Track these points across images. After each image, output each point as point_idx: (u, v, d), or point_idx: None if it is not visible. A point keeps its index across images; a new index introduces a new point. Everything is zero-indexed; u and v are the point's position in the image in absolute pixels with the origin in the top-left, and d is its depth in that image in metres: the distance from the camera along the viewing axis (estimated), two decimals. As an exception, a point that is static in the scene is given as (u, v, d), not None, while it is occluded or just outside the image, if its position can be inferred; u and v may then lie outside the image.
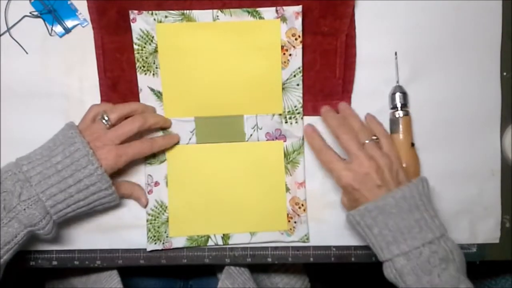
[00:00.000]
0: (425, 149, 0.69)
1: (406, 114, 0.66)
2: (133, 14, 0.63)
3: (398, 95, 0.66)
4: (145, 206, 0.66)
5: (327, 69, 0.67)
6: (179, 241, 0.66)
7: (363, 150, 0.59)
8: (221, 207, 0.67)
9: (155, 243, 0.66)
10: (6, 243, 0.55)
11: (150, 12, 0.63)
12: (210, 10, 0.64)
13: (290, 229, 0.67)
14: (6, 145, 0.66)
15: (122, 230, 0.67)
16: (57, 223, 0.59)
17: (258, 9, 0.64)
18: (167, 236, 0.66)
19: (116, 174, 0.62)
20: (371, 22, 0.68)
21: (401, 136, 0.65)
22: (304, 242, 0.67)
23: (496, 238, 0.70)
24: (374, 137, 0.62)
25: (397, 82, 0.68)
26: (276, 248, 0.68)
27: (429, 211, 0.58)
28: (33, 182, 0.56)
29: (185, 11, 0.64)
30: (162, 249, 0.67)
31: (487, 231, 0.70)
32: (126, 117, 0.63)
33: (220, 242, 0.67)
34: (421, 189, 0.59)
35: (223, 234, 0.67)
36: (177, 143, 0.66)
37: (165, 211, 0.66)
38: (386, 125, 0.67)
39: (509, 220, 0.70)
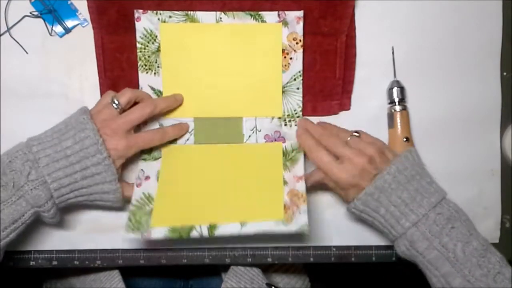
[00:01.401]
0: (425, 148, 0.69)
1: (404, 108, 0.66)
2: (138, 13, 0.64)
3: (395, 90, 0.66)
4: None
5: (327, 69, 0.67)
6: (159, 232, 0.59)
7: (350, 148, 0.59)
8: (209, 198, 0.63)
9: (133, 232, 0.60)
10: (14, 221, 0.55)
11: (154, 12, 0.64)
12: (214, 12, 0.64)
13: (287, 219, 0.59)
14: (6, 145, 0.66)
15: (122, 230, 0.67)
16: (60, 208, 0.59)
17: (260, 12, 0.65)
18: (147, 226, 0.60)
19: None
20: (371, 22, 0.68)
21: (398, 131, 0.66)
22: (303, 233, 0.58)
23: (496, 238, 0.70)
24: (355, 133, 0.62)
25: (394, 76, 0.68)
26: (276, 248, 0.68)
27: (425, 178, 0.59)
28: (41, 164, 0.56)
29: (189, 12, 0.64)
30: (141, 240, 0.63)
31: (487, 231, 0.70)
32: (135, 102, 0.63)
33: (205, 233, 0.59)
34: (412, 159, 0.59)
35: (209, 225, 0.59)
36: (175, 141, 0.66)
37: (150, 202, 0.62)
38: (384, 122, 0.68)
39: (509, 220, 0.70)
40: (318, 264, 0.69)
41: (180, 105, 0.66)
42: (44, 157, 0.56)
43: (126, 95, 0.62)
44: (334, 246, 0.68)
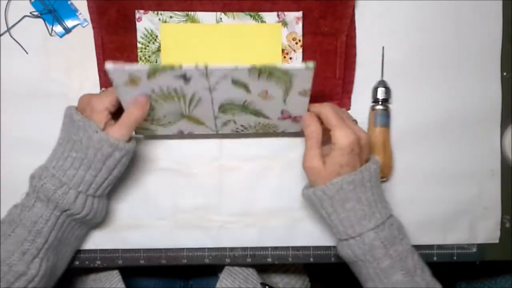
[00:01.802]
0: (425, 149, 0.69)
1: (385, 109, 0.66)
2: (139, 13, 0.64)
3: (380, 90, 0.67)
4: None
5: (327, 69, 0.67)
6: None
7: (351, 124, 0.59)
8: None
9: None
10: (34, 222, 0.57)
11: (155, 12, 0.64)
12: (214, 12, 0.65)
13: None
14: (6, 145, 0.66)
15: (122, 230, 0.67)
16: (96, 198, 0.60)
17: (260, 13, 0.65)
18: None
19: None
20: (371, 22, 0.68)
21: (377, 131, 0.66)
22: (308, 68, 0.52)
23: (496, 238, 0.70)
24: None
25: (382, 76, 0.68)
26: (276, 248, 0.69)
27: (381, 187, 0.60)
28: (47, 163, 0.59)
29: (189, 13, 0.64)
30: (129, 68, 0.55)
31: (487, 231, 0.70)
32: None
33: (201, 66, 0.53)
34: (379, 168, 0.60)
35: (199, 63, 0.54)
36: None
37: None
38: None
39: (509, 220, 0.70)
40: (318, 264, 0.69)
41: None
42: (49, 159, 0.59)
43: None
44: (334, 246, 0.68)
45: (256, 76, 0.54)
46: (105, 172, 0.59)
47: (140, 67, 0.53)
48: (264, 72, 0.54)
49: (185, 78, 0.54)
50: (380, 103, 0.67)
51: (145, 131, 0.65)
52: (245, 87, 0.56)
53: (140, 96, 0.57)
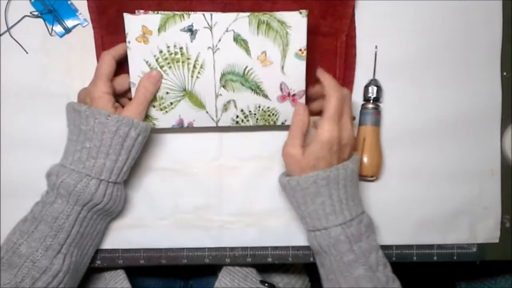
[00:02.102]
0: (425, 148, 0.69)
1: (376, 108, 0.66)
2: (139, 13, 0.64)
3: (371, 88, 0.67)
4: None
5: (327, 69, 0.66)
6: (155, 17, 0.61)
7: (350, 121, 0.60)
8: None
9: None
10: (55, 218, 0.58)
11: (155, 12, 0.64)
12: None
13: None
14: (6, 145, 0.66)
15: (122, 230, 0.67)
16: (116, 185, 0.61)
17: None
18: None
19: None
20: (371, 22, 0.68)
21: (368, 129, 0.66)
22: (301, 15, 0.60)
23: (496, 238, 0.70)
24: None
25: (374, 75, 0.68)
26: (276, 248, 0.69)
27: (357, 186, 0.61)
28: (62, 161, 0.60)
29: (190, 14, 0.64)
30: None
31: (487, 231, 0.70)
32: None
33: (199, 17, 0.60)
34: (357, 165, 0.61)
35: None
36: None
37: None
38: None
39: (509, 220, 0.70)
40: (318, 264, 0.69)
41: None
42: (64, 155, 0.60)
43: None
44: (334, 246, 0.68)
45: (256, 28, 0.61)
46: (125, 154, 0.59)
47: (153, 15, 0.61)
48: (262, 23, 0.60)
49: (192, 31, 0.61)
50: (371, 101, 0.67)
51: (146, 120, 0.65)
52: (246, 49, 0.61)
53: (153, 71, 0.61)
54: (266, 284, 0.70)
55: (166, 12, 0.61)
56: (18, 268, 0.55)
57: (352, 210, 0.59)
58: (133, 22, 0.60)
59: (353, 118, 0.63)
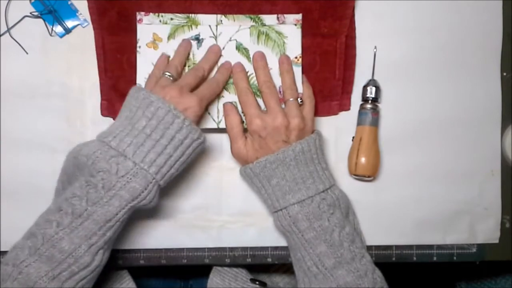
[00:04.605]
0: (425, 149, 0.69)
1: (374, 108, 0.66)
2: (140, 15, 0.64)
3: (369, 88, 0.67)
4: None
5: (326, 70, 0.67)
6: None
7: (280, 106, 0.62)
8: None
9: None
10: (107, 220, 0.55)
11: (156, 14, 0.64)
12: (214, 15, 0.65)
13: None
14: (6, 145, 0.66)
15: (123, 230, 0.67)
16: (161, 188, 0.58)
17: (260, 15, 0.65)
18: None
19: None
20: (371, 22, 0.68)
21: (365, 129, 0.66)
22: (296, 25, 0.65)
23: (496, 238, 0.70)
24: (299, 99, 0.63)
25: (372, 76, 0.68)
26: (276, 248, 0.69)
27: (321, 164, 0.62)
28: (128, 155, 0.55)
29: (190, 15, 0.65)
30: None
31: (487, 231, 0.70)
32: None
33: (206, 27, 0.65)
34: (317, 143, 0.62)
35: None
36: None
37: None
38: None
39: (509, 220, 0.70)
40: (318, 264, 0.69)
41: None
42: (127, 147, 0.55)
43: (173, 64, 0.62)
44: (334, 246, 0.68)
45: (256, 38, 0.65)
46: (185, 160, 0.58)
47: (165, 25, 0.64)
48: (262, 34, 0.65)
49: (198, 39, 0.64)
50: (369, 102, 0.67)
51: None
52: (247, 56, 0.65)
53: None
54: (257, 282, 0.71)
55: (176, 23, 0.64)
56: (58, 263, 0.54)
57: (310, 188, 0.60)
58: (145, 30, 0.64)
59: (300, 101, 0.63)
